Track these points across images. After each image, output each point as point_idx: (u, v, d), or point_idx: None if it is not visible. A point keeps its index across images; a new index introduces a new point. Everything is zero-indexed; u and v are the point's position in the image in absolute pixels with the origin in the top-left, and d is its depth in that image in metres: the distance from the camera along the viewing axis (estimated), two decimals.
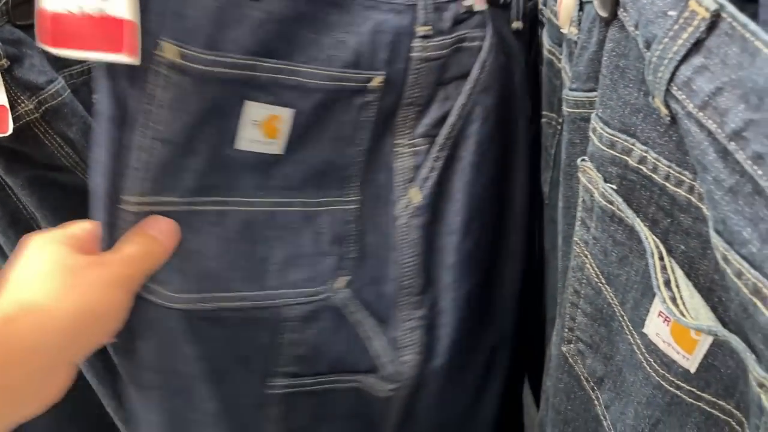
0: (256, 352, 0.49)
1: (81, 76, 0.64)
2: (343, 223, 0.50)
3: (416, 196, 0.50)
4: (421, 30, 0.48)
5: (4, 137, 0.54)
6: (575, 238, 0.43)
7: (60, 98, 0.57)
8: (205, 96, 0.43)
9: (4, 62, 0.53)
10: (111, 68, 0.41)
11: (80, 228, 0.43)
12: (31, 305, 0.36)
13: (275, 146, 0.46)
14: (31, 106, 0.56)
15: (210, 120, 0.44)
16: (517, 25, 0.54)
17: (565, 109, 0.44)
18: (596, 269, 0.41)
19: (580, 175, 0.42)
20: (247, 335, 0.48)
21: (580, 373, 0.45)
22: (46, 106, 0.57)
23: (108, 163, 0.43)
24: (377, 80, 0.47)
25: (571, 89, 0.43)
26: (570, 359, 0.46)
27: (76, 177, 0.60)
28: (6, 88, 0.53)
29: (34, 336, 0.36)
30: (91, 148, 0.43)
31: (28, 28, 0.56)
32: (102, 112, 0.43)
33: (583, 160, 0.42)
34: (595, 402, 0.44)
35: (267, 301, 0.48)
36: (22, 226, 0.62)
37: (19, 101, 0.54)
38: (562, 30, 0.47)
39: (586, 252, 0.42)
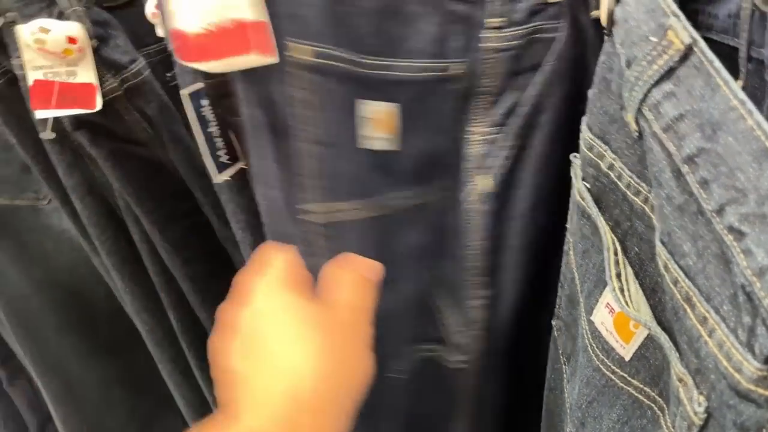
0: (407, 316, 0.54)
1: (158, 55, 0.67)
2: (443, 212, 0.52)
3: (488, 184, 0.51)
4: (493, 21, 0.48)
5: (91, 113, 0.57)
6: (567, 225, 0.47)
7: (141, 77, 0.61)
8: (341, 93, 0.44)
9: (94, 42, 0.55)
10: (250, 74, 0.40)
11: (287, 262, 0.39)
12: (299, 388, 0.34)
13: (391, 142, 0.48)
14: (116, 84, 0.59)
15: (345, 118, 0.45)
16: (596, 13, 0.51)
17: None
18: (573, 257, 0.45)
19: (571, 170, 0.45)
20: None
21: (559, 346, 0.50)
22: (129, 84, 0.60)
23: (280, 174, 0.43)
24: (456, 68, 0.48)
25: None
26: (555, 333, 0.51)
27: (150, 150, 0.64)
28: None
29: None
30: (252, 162, 0.43)
31: (114, 10, 0.59)
32: (253, 122, 0.42)
33: (574, 156, 0.45)
34: (564, 375, 0.48)
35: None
36: (97, 194, 0.67)
37: (105, 79, 0.58)
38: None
39: (570, 240, 0.46)
